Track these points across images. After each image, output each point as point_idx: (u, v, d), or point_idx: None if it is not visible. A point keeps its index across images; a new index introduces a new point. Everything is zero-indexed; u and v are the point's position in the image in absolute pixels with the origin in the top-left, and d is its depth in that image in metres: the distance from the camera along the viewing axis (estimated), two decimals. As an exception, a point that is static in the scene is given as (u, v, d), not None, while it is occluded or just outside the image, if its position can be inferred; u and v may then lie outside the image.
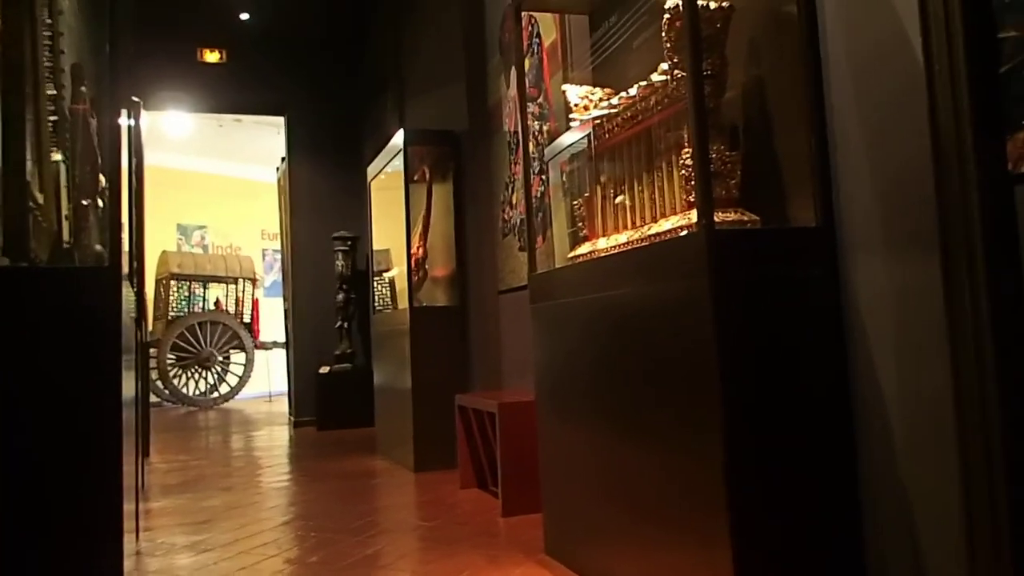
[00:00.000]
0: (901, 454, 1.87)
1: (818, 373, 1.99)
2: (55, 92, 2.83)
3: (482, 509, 3.98)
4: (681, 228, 2.23)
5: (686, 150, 2.25)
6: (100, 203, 3.53)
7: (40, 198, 2.59)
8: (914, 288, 1.81)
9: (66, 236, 2.93)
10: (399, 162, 5.61)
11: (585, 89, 3.03)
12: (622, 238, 2.61)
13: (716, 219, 2.02)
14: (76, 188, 3.16)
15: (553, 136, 3.86)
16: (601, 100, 2.90)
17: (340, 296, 8.09)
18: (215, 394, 11.43)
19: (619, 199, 2.71)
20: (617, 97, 2.71)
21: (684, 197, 2.30)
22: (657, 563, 2.22)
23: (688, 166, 2.21)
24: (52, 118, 2.80)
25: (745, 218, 2.19)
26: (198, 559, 3.24)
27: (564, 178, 3.81)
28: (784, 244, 2.06)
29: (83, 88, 3.31)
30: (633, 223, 2.63)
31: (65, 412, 2.24)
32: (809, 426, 1.97)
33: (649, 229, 2.45)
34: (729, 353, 1.91)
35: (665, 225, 2.35)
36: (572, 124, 3.04)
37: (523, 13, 3.46)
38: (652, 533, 2.24)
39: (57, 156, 2.87)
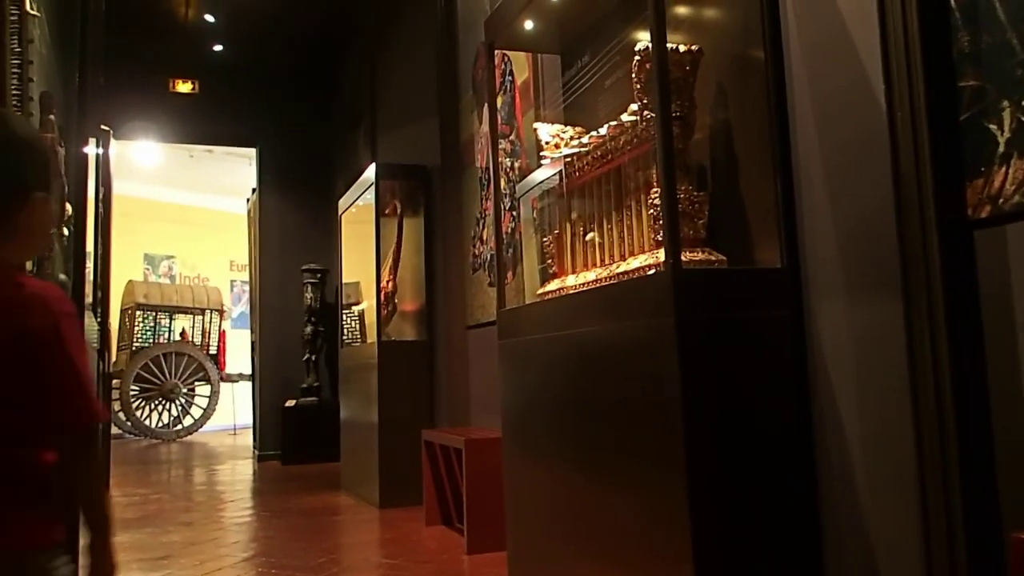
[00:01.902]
0: (862, 491, 1.88)
1: (781, 413, 2.01)
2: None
3: (446, 547, 3.93)
4: (649, 267, 2.25)
5: (654, 190, 2.28)
6: (65, 232, 3.49)
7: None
8: (876, 330, 1.84)
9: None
10: (370, 195, 5.61)
11: (556, 127, 3.07)
12: (591, 276, 2.63)
13: (683, 258, 2.04)
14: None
15: (524, 173, 3.89)
16: (572, 139, 2.93)
17: (308, 329, 8.02)
18: (178, 427, 11.24)
19: (588, 237, 2.73)
20: (587, 136, 2.74)
21: (652, 236, 2.32)
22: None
23: (656, 205, 2.24)
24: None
25: (712, 258, 2.21)
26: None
27: (534, 215, 3.83)
28: (749, 284, 2.08)
29: (51, 116, 3.29)
30: (602, 261, 2.65)
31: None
32: (772, 466, 1.98)
33: (617, 267, 2.47)
34: (693, 392, 1.91)
35: (633, 263, 2.37)
36: (543, 161, 3.07)
37: (496, 51, 3.51)
38: (616, 572, 2.23)
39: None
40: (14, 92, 2.63)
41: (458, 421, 4.85)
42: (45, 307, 1.29)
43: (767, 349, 2.03)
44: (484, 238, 4.56)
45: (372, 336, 5.58)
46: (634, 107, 2.42)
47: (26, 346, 1.26)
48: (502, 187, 4.14)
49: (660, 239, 2.21)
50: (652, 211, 2.29)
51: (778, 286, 2.06)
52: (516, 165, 4.11)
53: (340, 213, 6.61)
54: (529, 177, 3.42)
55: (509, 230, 4.11)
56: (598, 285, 2.50)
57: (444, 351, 5.20)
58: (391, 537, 4.23)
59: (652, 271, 2.20)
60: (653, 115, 2.21)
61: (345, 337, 6.41)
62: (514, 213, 4.12)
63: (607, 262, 2.60)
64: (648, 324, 2.05)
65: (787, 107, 2.11)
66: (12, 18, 2.81)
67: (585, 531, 2.41)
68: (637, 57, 2.32)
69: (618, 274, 2.42)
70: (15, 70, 2.64)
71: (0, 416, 1.28)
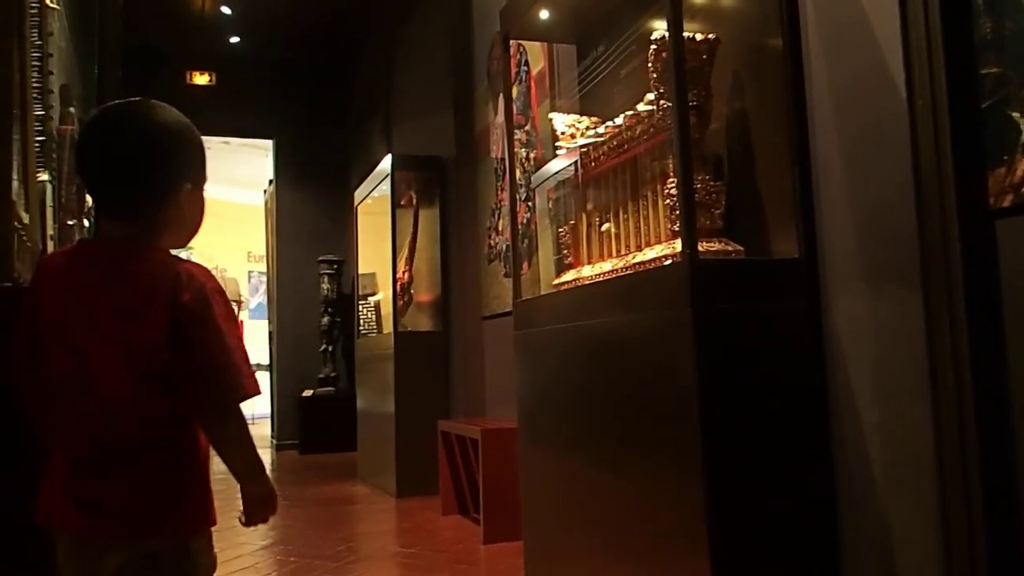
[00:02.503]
0: (880, 486, 1.87)
1: (798, 404, 2.00)
2: (43, 113, 2.82)
3: (463, 536, 3.94)
4: (665, 257, 2.24)
5: (671, 180, 2.26)
6: (85, 223, 3.51)
7: (26, 218, 2.57)
8: (895, 321, 1.83)
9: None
10: (386, 187, 5.61)
11: (572, 117, 3.06)
12: (606, 266, 2.62)
13: (700, 249, 2.03)
14: (61, 208, 3.14)
15: (539, 163, 3.88)
16: (587, 129, 2.92)
17: (325, 319, 8.05)
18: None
19: (604, 227, 2.72)
20: (603, 126, 2.73)
21: (668, 226, 2.31)
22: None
23: (672, 195, 2.23)
24: (39, 139, 2.79)
25: (729, 248, 2.20)
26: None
27: (550, 205, 3.83)
28: (766, 275, 2.07)
29: (71, 109, 3.31)
30: (618, 251, 2.64)
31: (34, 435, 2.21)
32: (788, 459, 1.97)
33: (633, 258, 2.46)
34: (709, 383, 1.91)
35: (649, 254, 2.36)
36: (559, 152, 3.06)
37: (511, 41, 3.49)
38: (632, 564, 2.23)
39: (43, 176, 2.86)
40: (35, 85, 2.65)
41: (474, 411, 4.86)
42: (195, 283, 1.27)
43: (784, 340, 2.01)
44: (499, 229, 4.56)
45: (388, 327, 5.59)
46: (650, 96, 2.40)
47: (179, 323, 1.24)
48: (517, 178, 4.13)
49: (676, 229, 2.20)
50: (668, 201, 2.28)
51: (795, 277, 2.05)
52: (531, 155, 4.10)
53: (356, 204, 6.62)
54: (544, 168, 3.41)
55: (524, 221, 4.11)
56: (614, 276, 2.49)
57: (460, 342, 5.20)
58: (408, 526, 4.25)
59: (668, 261, 2.19)
60: (669, 104, 2.20)
61: (361, 328, 6.43)
62: (529, 204, 4.11)
63: (623, 252, 2.60)
64: (664, 315, 2.04)
65: (805, 96, 2.10)
66: (32, 11, 2.83)
67: (600, 522, 2.41)
68: (653, 46, 2.31)
69: (634, 264, 2.42)
70: (35, 63, 2.66)
71: (158, 398, 1.26)
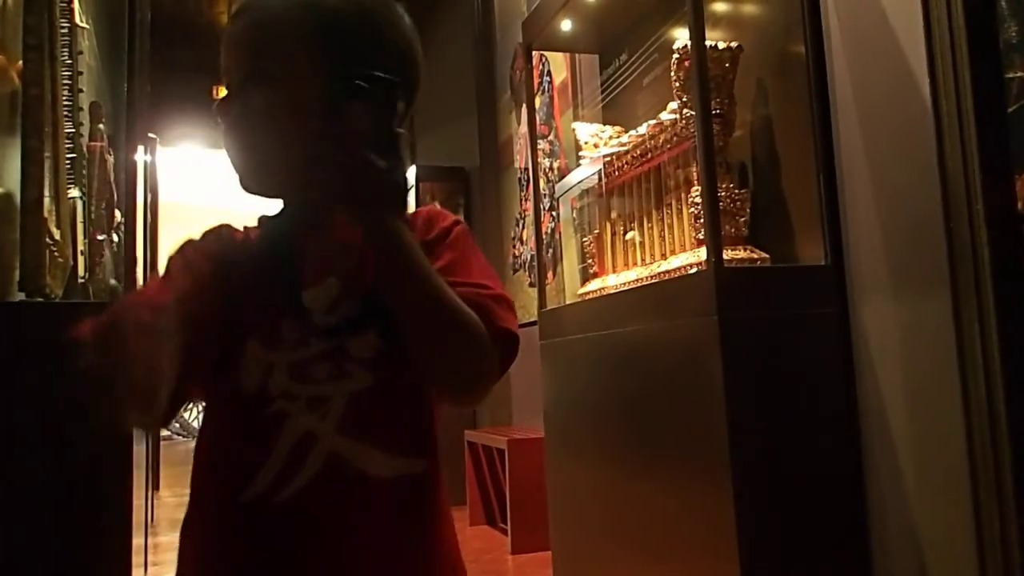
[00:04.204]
0: (911, 494, 1.85)
1: (826, 412, 1.99)
2: (73, 130, 2.87)
3: (491, 547, 3.94)
4: (690, 265, 2.24)
5: (695, 188, 2.26)
6: (115, 238, 3.57)
7: (57, 234, 2.62)
8: (924, 326, 1.81)
9: (81, 271, 2.96)
10: (410, 198, 5.64)
11: (595, 127, 3.06)
12: (632, 275, 2.62)
13: (725, 257, 2.03)
14: (92, 223, 3.19)
15: (563, 173, 3.89)
16: (611, 138, 2.93)
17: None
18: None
19: (629, 236, 2.72)
20: (627, 135, 2.73)
21: (693, 234, 2.31)
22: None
23: (697, 203, 2.23)
24: (70, 155, 2.84)
25: (754, 256, 2.20)
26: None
27: (574, 215, 3.83)
28: (793, 282, 2.06)
29: (100, 126, 3.37)
30: (643, 260, 2.64)
31: (74, 444, 2.24)
32: (817, 466, 1.96)
33: (659, 266, 2.46)
34: (737, 392, 1.90)
35: (674, 262, 2.36)
36: (582, 161, 3.07)
37: (533, 52, 3.51)
38: (662, 573, 2.22)
39: (74, 192, 2.91)
40: (65, 103, 2.70)
41: (500, 421, 4.86)
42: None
43: (812, 347, 2.00)
44: (524, 238, 4.57)
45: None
46: (673, 105, 2.41)
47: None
48: (541, 187, 4.14)
49: (701, 237, 2.20)
50: (693, 209, 2.28)
51: (822, 283, 2.04)
52: (555, 165, 4.11)
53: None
54: (568, 177, 3.42)
55: (549, 230, 4.11)
56: (639, 285, 2.49)
57: (486, 351, 5.20)
58: (436, 537, 4.25)
59: (694, 270, 2.19)
60: (693, 113, 2.20)
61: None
62: (553, 213, 4.12)
63: (648, 261, 2.60)
64: (691, 323, 2.04)
65: (829, 102, 2.09)
66: (62, 31, 2.89)
67: (630, 532, 2.41)
68: (676, 55, 2.31)
69: (659, 273, 2.42)
70: (66, 81, 2.71)
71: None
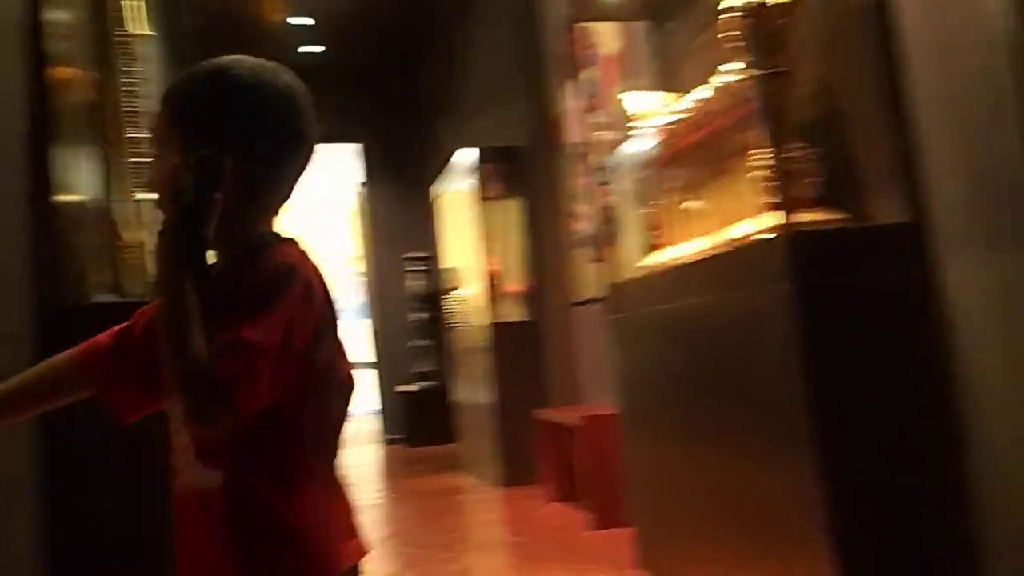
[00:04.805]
0: (1013, 462, 1.77)
1: (914, 379, 1.90)
2: (138, 135, 2.93)
3: (569, 524, 3.94)
4: (757, 232, 2.18)
5: (760, 150, 2.20)
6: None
7: (128, 237, 2.69)
8: (1016, 284, 1.72)
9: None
10: (466, 180, 5.64)
11: (649, 95, 3.00)
12: (697, 245, 2.57)
13: (796, 220, 1.97)
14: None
15: (618, 145, 3.82)
16: (666, 106, 2.87)
17: (419, 315, 8.17)
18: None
19: (691, 204, 2.67)
20: (683, 101, 2.67)
21: (760, 199, 2.25)
22: (755, 576, 2.16)
23: (762, 167, 2.16)
24: (137, 160, 2.90)
25: (827, 217, 2.12)
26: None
27: (633, 187, 3.77)
28: (871, 242, 1.98)
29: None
30: (708, 228, 2.58)
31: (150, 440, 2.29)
32: (907, 434, 1.88)
33: (725, 234, 2.41)
34: (816, 361, 1.84)
35: (742, 229, 2.30)
36: (637, 132, 3.01)
37: (580, 24, 3.45)
38: (748, 548, 2.18)
39: (142, 195, 2.97)
40: (125, 109, 2.76)
41: (571, 399, 4.85)
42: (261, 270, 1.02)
43: (895, 309, 1.92)
44: (582, 214, 4.53)
45: (479, 319, 5.63)
46: (731, 66, 2.34)
47: None
48: (596, 161, 4.09)
49: (769, 202, 2.13)
50: (758, 173, 2.22)
51: (903, 242, 1.95)
52: (609, 138, 4.05)
53: (437, 199, 6.67)
54: (624, 148, 3.36)
55: (607, 205, 4.06)
56: (705, 254, 2.44)
57: (551, 329, 5.20)
58: (514, 515, 4.28)
59: (763, 236, 2.13)
60: (752, 73, 2.13)
61: (453, 322, 6.49)
62: (611, 187, 4.06)
63: (713, 230, 2.54)
64: (763, 291, 1.99)
65: (899, 51, 2.00)
66: (120, 40, 2.95)
67: (711, 505, 2.37)
68: (730, 14, 2.24)
69: (726, 241, 2.36)
70: (128, 88, 2.77)
71: None
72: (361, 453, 8.08)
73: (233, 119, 1.01)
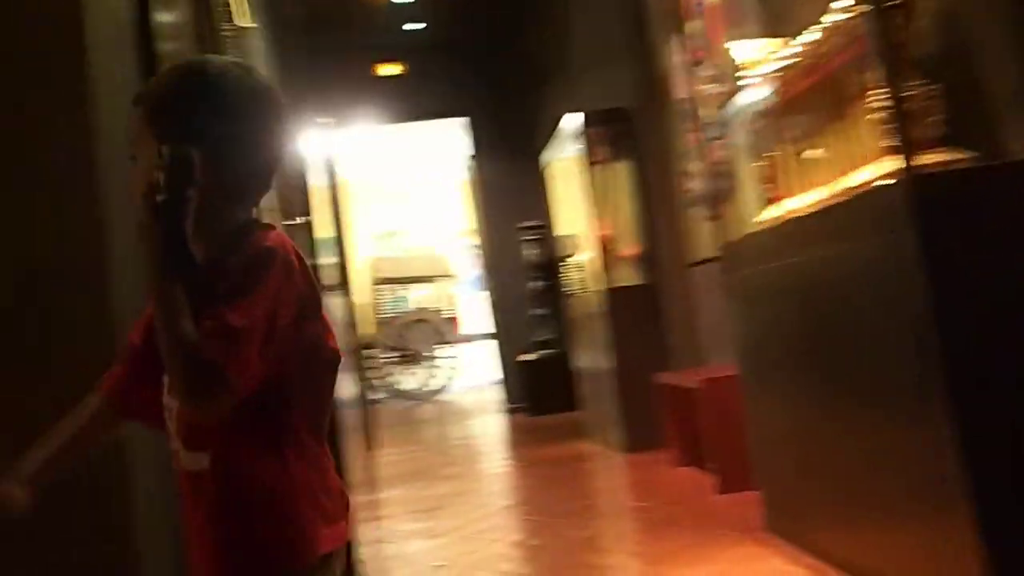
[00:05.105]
0: None
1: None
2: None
3: (695, 488, 3.87)
4: (879, 178, 2.05)
5: (877, 91, 2.06)
6: (297, 221, 3.76)
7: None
8: None
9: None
10: (576, 146, 5.58)
11: (756, 43, 2.87)
12: (815, 196, 2.45)
13: (918, 163, 1.84)
14: (280, 211, 3.37)
15: (728, 97, 3.68)
16: (775, 52, 2.73)
17: (536, 284, 8.19)
18: (429, 388, 11.93)
19: (807, 154, 2.54)
20: (793, 46, 2.54)
21: (880, 143, 2.11)
22: (894, 544, 2.05)
23: (880, 108, 2.02)
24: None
25: (952, 158, 1.97)
26: (428, 544, 3.41)
27: (745, 140, 3.63)
28: (1002, 181, 1.83)
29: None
30: (825, 179, 2.45)
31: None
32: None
33: (843, 183, 2.28)
34: (949, 313, 1.72)
35: (861, 177, 2.17)
36: (746, 82, 2.89)
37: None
38: (883, 510, 2.08)
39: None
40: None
41: (691, 361, 4.76)
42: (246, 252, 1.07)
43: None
44: (694, 173, 4.40)
45: (596, 285, 5.59)
46: (842, 3, 2.20)
47: None
48: (706, 116, 3.96)
49: (889, 145, 2.00)
50: (876, 115, 2.08)
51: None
52: (719, 91, 3.91)
53: (547, 167, 6.64)
54: (734, 101, 3.24)
55: (719, 160, 3.93)
56: (823, 206, 2.32)
57: (668, 292, 5.11)
58: (639, 481, 4.25)
59: (883, 182, 2.00)
60: (865, 8, 1.99)
61: (569, 289, 6.47)
62: (723, 141, 3.93)
63: (831, 179, 2.41)
64: (886, 241, 1.87)
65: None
66: (226, 33, 3.04)
67: (839, 469, 2.28)
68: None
69: (844, 190, 2.24)
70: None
71: None
72: (485, 423, 8.22)
73: (203, 116, 1.05)
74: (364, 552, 2.52)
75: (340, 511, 1.08)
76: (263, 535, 1.02)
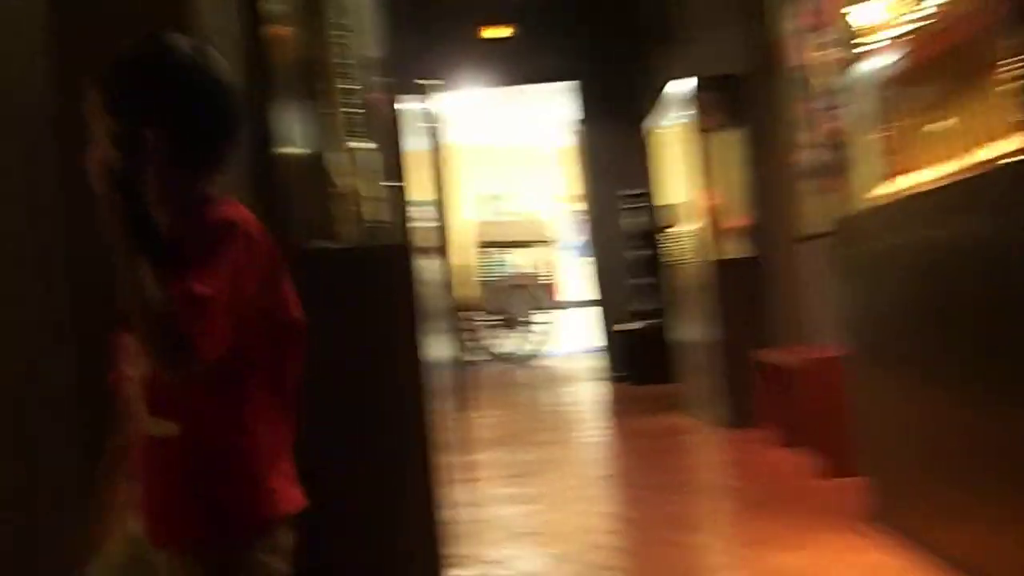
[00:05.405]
0: None
1: None
2: (349, 86, 3.04)
3: (794, 471, 3.75)
4: (1013, 152, 1.89)
5: (1012, 59, 1.90)
6: (399, 183, 3.79)
7: (343, 184, 2.81)
8: None
9: (370, 215, 3.15)
10: (683, 113, 5.43)
11: (877, 7, 2.70)
12: (939, 171, 2.29)
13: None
14: (375, 172, 3.40)
15: (845, 65, 3.49)
16: (899, 17, 2.56)
17: (639, 253, 8.08)
18: (525, 352, 11.99)
19: (932, 126, 2.38)
20: (918, 10, 2.37)
21: (1014, 116, 1.95)
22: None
23: (1015, 78, 1.87)
24: (350, 111, 3.01)
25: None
26: (520, 510, 3.44)
27: (864, 109, 3.44)
28: None
29: (378, 78, 3.55)
30: (951, 152, 2.29)
31: (378, 373, 2.39)
32: None
33: (973, 157, 2.12)
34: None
35: (993, 151, 2.02)
36: (867, 48, 2.72)
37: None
38: (1014, 503, 1.95)
39: (357, 144, 3.09)
40: (336, 61, 2.86)
41: (795, 338, 4.60)
42: (204, 222, 1.13)
43: None
44: (807, 143, 4.21)
45: (699, 256, 5.46)
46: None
47: None
48: (822, 84, 3.77)
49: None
50: (1011, 85, 1.92)
51: None
52: (836, 57, 3.71)
53: (651, 134, 6.49)
54: (853, 68, 3.06)
55: (835, 131, 3.74)
56: (951, 180, 2.17)
57: (775, 267, 4.94)
58: (735, 459, 4.16)
59: (1018, 158, 1.85)
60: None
61: (671, 259, 6.35)
62: (839, 111, 3.73)
63: (959, 153, 2.25)
64: (1020, 219, 1.73)
65: None
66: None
67: (963, 457, 2.15)
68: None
69: (975, 164, 2.08)
70: (335, 41, 2.86)
71: None
72: (582, 390, 8.20)
73: (155, 95, 1.11)
74: (456, 514, 2.54)
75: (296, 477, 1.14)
76: (227, 494, 1.07)
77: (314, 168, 2.55)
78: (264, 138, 2.33)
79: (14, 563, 1.63)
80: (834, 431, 3.49)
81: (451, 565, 2.44)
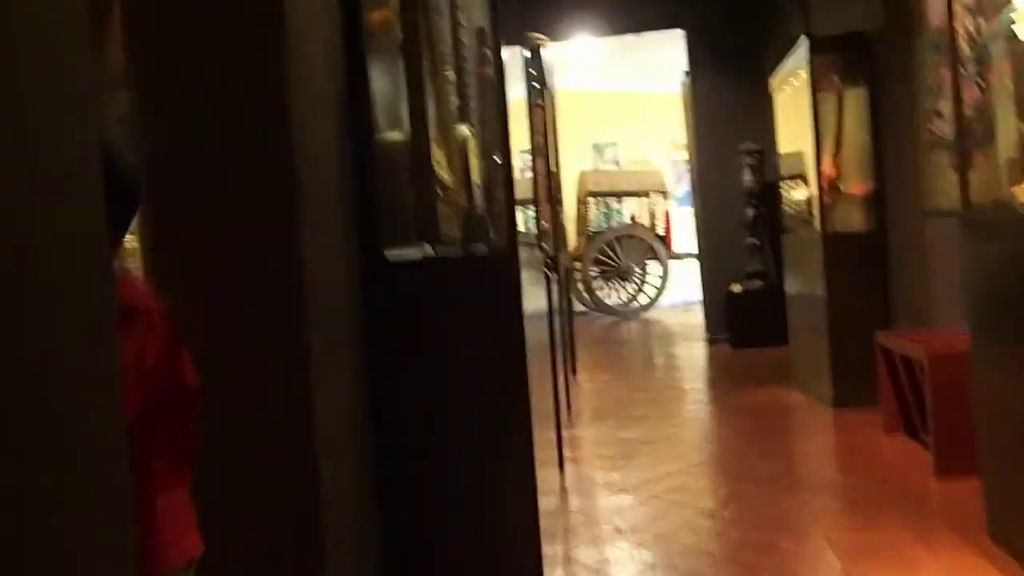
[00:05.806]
0: None
1: None
2: (457, 66, 2.94)
3: (909, 464, 3.57)
4: None
5: None
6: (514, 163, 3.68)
7: (448, 178, 2.75)
8: None
9: (480, 202, 3.06)
10: (805, 72, 5.12)
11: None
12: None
13: None
14: (484, 153, 3.30)
15: (996, 27, 3.19)
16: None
17: (750, 211, 7.77)
18: (635, 304, 11.85)
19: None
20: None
21: None
22: None
23: None
24: (459, 92, 2.92)
25: None
26: (613, 501, 3.36)
27: (1009, 82, 3.15)
28: None
29: (487, 51, 3.44)
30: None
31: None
32: None
33: None
34: None
35: None
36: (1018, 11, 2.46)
37: None
38: None
39: (464, 130, 2.99)
40: (439, 49, 2.79)
41: (918, 320, 4.35)
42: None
43: None
44: (943, 113, 3.90)
45: (816, 225, 5.20)
46: None
47: None
48: (964, 50, 3.46)
49: None
50: None
51: None
52: (981, 20, 3.39)
53: (773, 90, 6.17)
54: (1000, 33, 2.78)
55: (978, 102, 3.44)
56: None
57: (898, 242, 4.66)
58: (846, 446, 3.99)
59: None
60: None
61: (787, 223, 6.08)
62: (981, 81, 3.43)
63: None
64: None
65: None
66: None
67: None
68: None
69: None
70: (438, 27, 2.79)
71: None
72: (685, 352, 8.05)
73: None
74: (548, 502, 2.51)
75: (193, 522, 1.24)
76: (139, 543, 1.18)
77: (419, 159, 2.51)
78: (366, 126, 2.31)
79: None
80: (955, 423, 3.29)
81: (546, 565, 2.41)
